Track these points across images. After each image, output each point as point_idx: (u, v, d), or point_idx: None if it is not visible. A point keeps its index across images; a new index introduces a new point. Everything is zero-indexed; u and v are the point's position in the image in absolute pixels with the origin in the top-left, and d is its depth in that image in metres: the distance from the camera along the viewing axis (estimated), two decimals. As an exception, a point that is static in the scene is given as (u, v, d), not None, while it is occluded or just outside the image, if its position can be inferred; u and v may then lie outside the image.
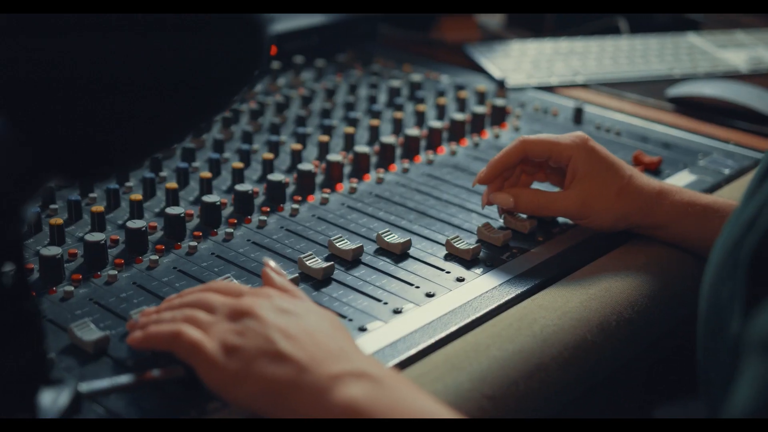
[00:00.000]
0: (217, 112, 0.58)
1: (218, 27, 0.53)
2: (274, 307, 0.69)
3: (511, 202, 0.96)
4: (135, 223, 0.90)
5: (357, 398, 0.62)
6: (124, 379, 0.68)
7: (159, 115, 0.53)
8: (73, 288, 0.83)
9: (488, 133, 1.26)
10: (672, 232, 0.95)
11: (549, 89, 1.44)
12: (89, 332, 0.75)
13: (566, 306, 0.85)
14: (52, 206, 0.97)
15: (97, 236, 0.88)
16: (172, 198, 0.99)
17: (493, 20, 1.85)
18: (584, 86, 1.47)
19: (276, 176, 1.03)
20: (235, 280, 0.85)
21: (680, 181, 1.13)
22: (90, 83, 0.52)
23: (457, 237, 0.94)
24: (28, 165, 0.54)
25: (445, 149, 1.19)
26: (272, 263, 0.80)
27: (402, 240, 0.93)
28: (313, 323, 0.69)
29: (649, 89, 1.46)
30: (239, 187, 1.00)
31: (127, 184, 1.03)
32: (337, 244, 0.92)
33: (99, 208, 0.94)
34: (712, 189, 1.12)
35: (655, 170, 1.16)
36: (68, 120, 0.53)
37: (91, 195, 1.00)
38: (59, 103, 0.52)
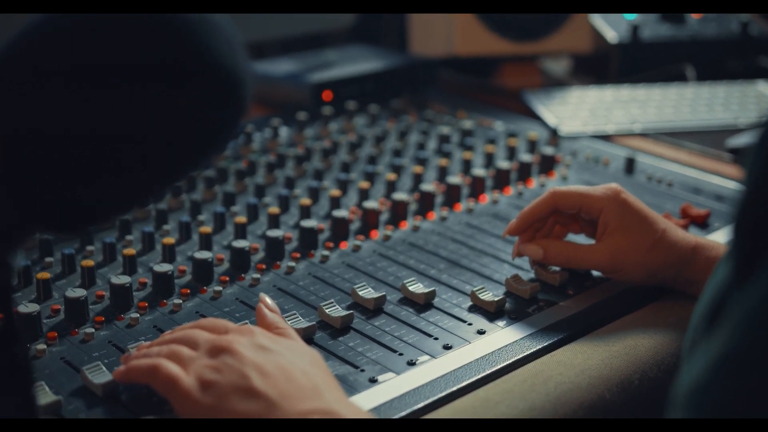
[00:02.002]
0: (195, 168, 0.58)
1: (197, 82, 0.53)
2: (253, 345, 0.71)
3: (541, 254, 0.95)
4: (162, 267, 0.92)
5: None
6: None
7: (137, 171, 0.54)
8: (93, 330, 0.85)
9: (534, 182, 1.24)
10: None
11: (605, 138, 1.42)
12: (100, 375, 0.76)
13: (586, 363, 0.83)
14: (89, 248, 1.00)
15: (122, 279, 0.89)
16: (205, 242, 1.01)
17: (559, 66, 1.84)
18: (642, 135, 1.44)
19: (308, 222, 1.03)
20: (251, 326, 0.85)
21: (728, 235, 1.09)
22: (69, 139, 0.53)
23: (483, 288, 0.92)
24: (11, 218, 0.55)
25: (487, 198, 1.18)
26: (268, 300, 0.83)
27: (426, 290, 0.92)
28: (290, 360, 0.70)
29: (711, 139, 1.42)
30: (270, 233, 1.00)
31: (165, 227, 1.05)
32: (359, 293, 0.91)
33: (131, 251, 0.96)
34: (761, 244, 1.08)
35: (702, 223, 1.12)
36: (48, 175, 0.54)
37: (128, 237, 1.02)
38: (39, 159, 0.53)
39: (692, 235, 0.94)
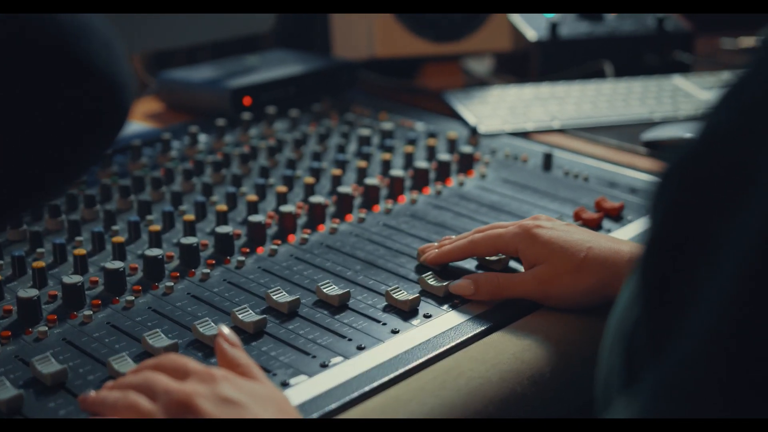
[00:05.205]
0: (70, 176, 0.57)
1: (75, 85, 0.53)
2: (216, 397, 0.67)
3: (471, 290, 0.93)
4: (71, 279, 0.91)
5: None
6: None
7: (7, 172, 0.53)
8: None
9: (453, 181, 1.25)
10: None
11: (524, 135, 1.44)
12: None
13: (497, 358, 0.84)
14: (39, 250, 1.00)
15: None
16: (119, 252, 0.99)
17: (481, 66, 1.85)
18: (560, 131, 1.46)
19: (224, 228, 1.03)
20: (163, 336, 0.84)
21: (641, 227, 1.11)
22: None
23: (397, 288, 0.93)
24: None
25: (406, 198, 1.19)
26: (226, 330, 0.78)
27: (340, 292, 0.92)
28: (256, 414, 0.66)
29: (627, 133, 1.44)
30: (184, 240, 1.00)
31: (78, 238, 1.04)
32: (273, 297, 0.91)
33: (41, 263, 0.94)
34: (673, 234, 1.10)
35: (617, 216, 1.14)
36: None
37: (39, 250, 1.01)
38: None
39: (626, 248, 0.91)
